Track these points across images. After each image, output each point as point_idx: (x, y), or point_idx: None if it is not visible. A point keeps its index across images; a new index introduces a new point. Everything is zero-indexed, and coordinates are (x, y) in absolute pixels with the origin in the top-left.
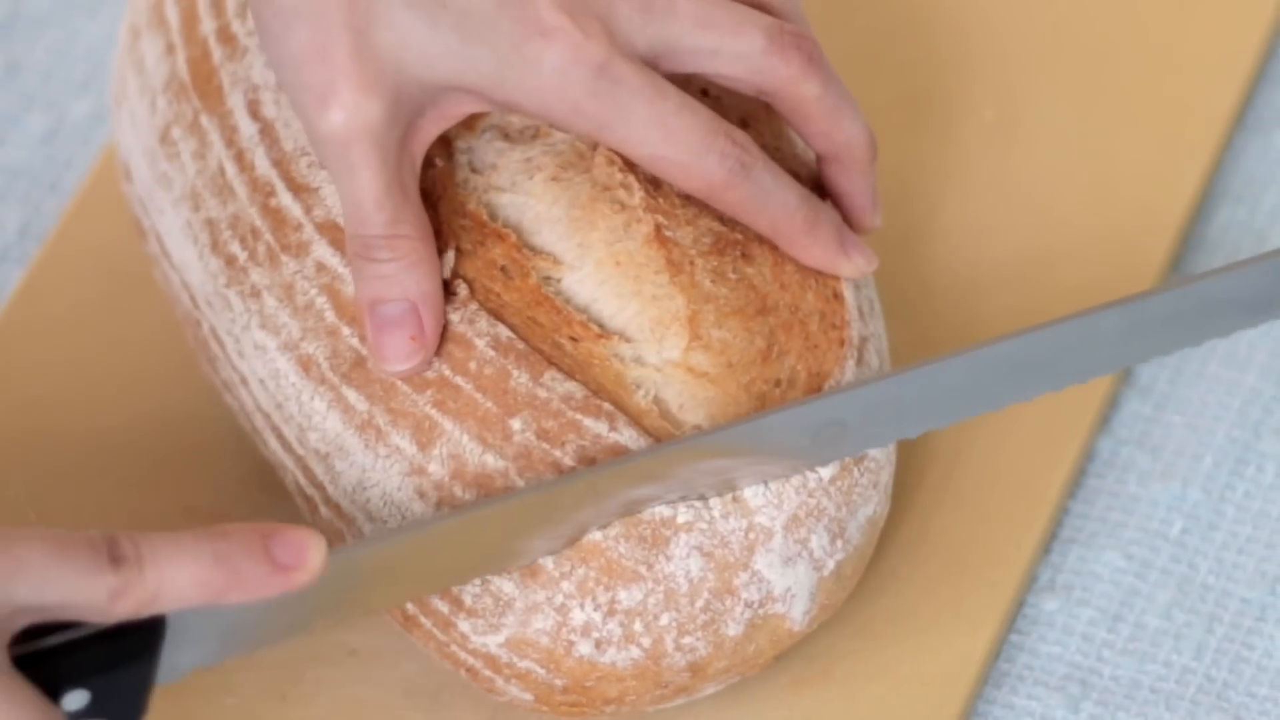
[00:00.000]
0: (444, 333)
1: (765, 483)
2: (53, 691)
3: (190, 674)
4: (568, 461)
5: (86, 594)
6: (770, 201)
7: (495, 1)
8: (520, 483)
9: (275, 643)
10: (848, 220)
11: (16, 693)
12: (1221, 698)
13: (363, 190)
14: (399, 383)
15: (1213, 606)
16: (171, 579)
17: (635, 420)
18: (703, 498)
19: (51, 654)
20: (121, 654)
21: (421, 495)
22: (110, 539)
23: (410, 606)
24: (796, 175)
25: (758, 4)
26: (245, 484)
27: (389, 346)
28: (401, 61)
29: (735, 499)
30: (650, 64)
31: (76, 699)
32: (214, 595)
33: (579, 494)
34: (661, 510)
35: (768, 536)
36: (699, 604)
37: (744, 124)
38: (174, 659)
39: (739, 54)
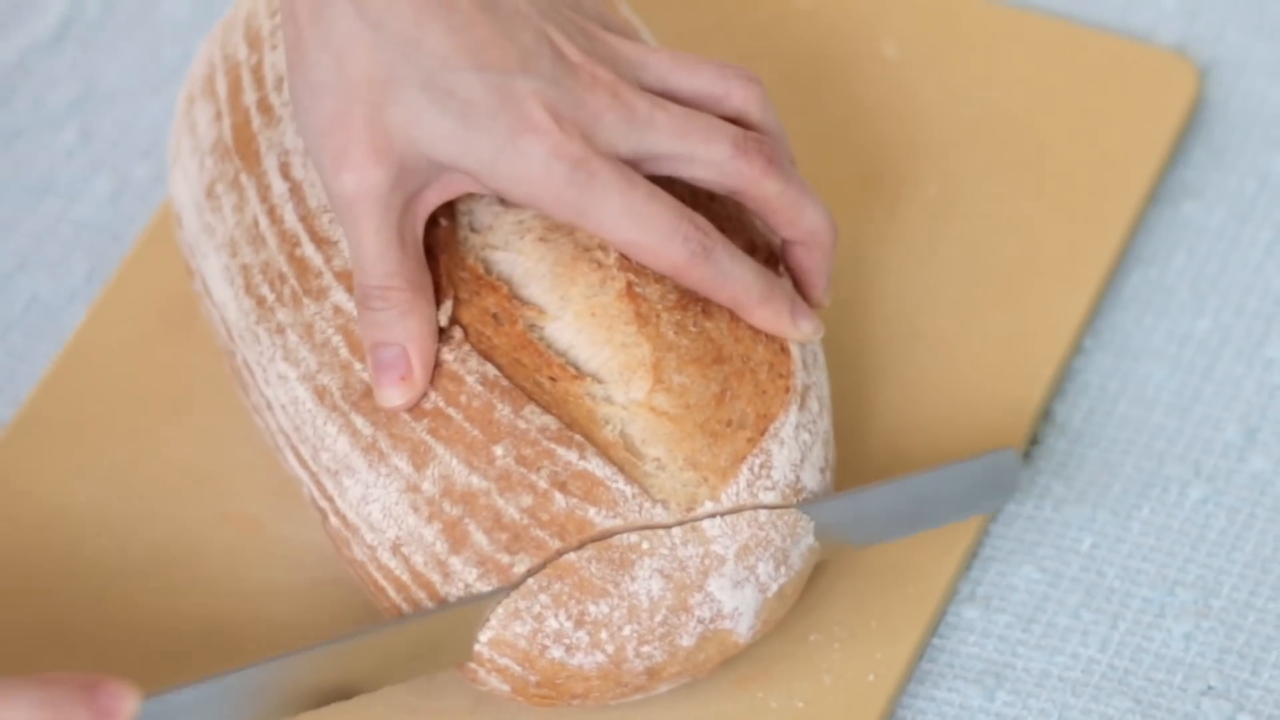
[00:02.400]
0: (439, 370)
1: (720, 515)
2: None
3: None
4: (542, 485)
5: None
6: (729, 279)
7: (495, 98)
8: (500, 502)
9: None
10: (801, 293)
11: None
12: (1123, 683)
13: (365, 245)
14: (399, 410)
15: (1117, 606)
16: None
17: (603, 451)
18: None
19: None
20: None
21: (415, 510)
22: None
23: (403, 604)
24: (754, 246)
25: (736, 112)
26: (270, 495)
27: (384, 385)
28: (411, 138)
29: (694, 528)
30: (633, 166)
31: None
32: None
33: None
34: (629, 537)
35: (721, 563)
36: (658, 619)
37: (713, 199)
38: None
39: (710, 160)
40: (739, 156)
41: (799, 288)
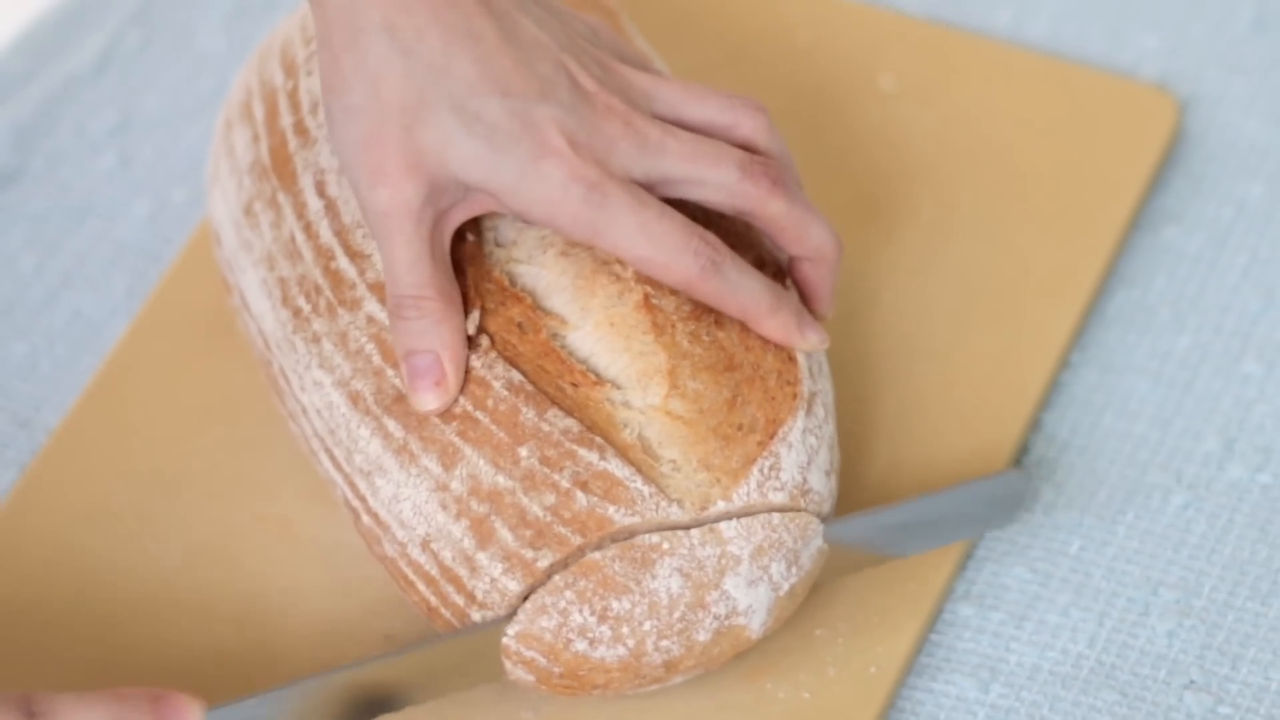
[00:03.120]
0: (467, 376)
1: (735, 518)
2: None
3: None
4: (565, 484)
5: None
6: (738, 291)
7: (517, 124)
8: (525, 500)
9: None
10: (807, 306)
11: None
12: (1110, 678)
13: (398, 256)
14: (429, 414)
15: (1104, 605)
16: None
17: (621, 452)
18: None
19: None
20: None
21: (444, 508)
22: (26, 697)
23: (432, 598)
24: (763, 261)
25: (744, 140)
26: (303, 498)
27: (419, 391)
28: (442, 158)
29: (712, 530)
30: (647, 189)
31: None
32: None
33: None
34: (650, 538)
35: (736, 563)
36: (676, 615)
37: (723, 217)
38: None
39: (718, 182)
40: (746, 179)
41: (805, 301)
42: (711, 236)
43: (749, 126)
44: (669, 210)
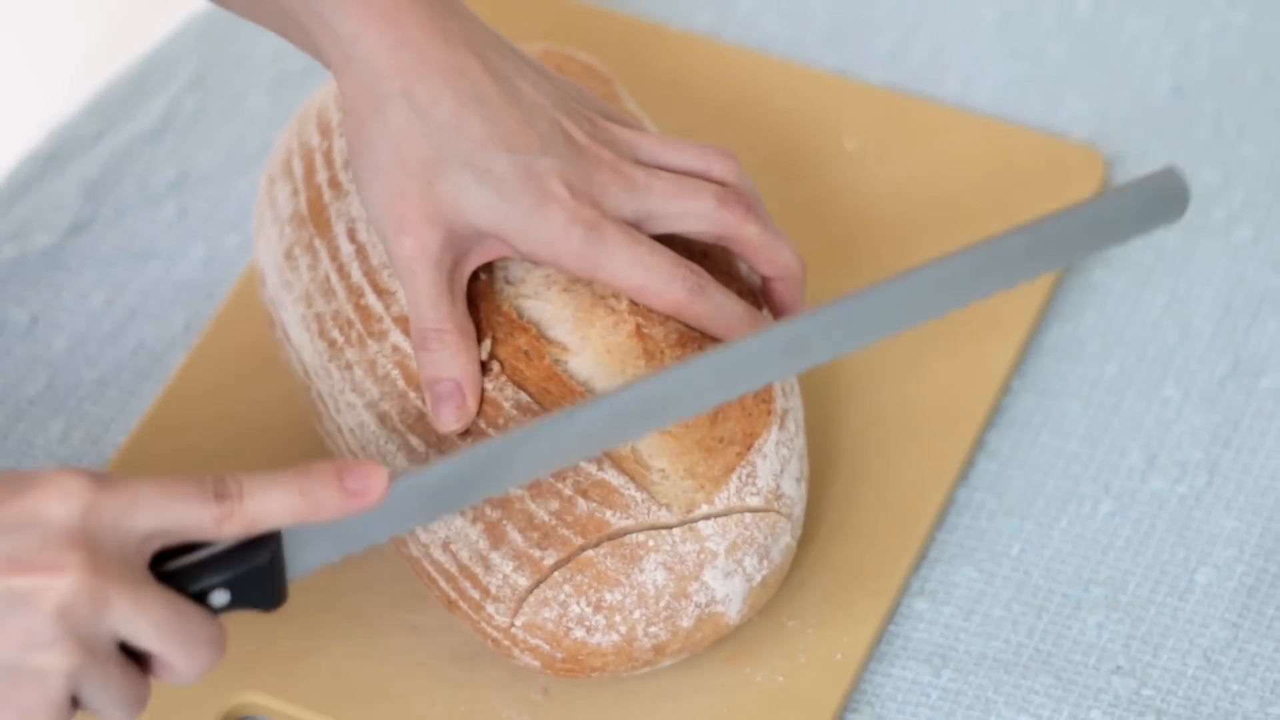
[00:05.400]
0: (482, 397)
1: (713, 517)
2: (200, 597)
3: (317, 570)
4: (567, 491)
5: (196, 521)
6: (721, 312)
7: (522, 175)
8: (533, 506)
9: (376, 543)
10: None
11: (153, 591)
12: (1046, 664)
13: (421, 295)
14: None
15: (1041, 600)
16: (266, 507)
17: (617, 463)
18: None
19: (193, 567)
20: (247, 561)
21: (461, 513)
22: (217, 479)
23: (451, 592)
24: (741, 290)
25: (719, 180)
26: None
27: (442, 414)
28: (458, 208)
29: (691, 529)
30: (636, 226)
31: (220, 597)
32: (301, 518)
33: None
34: (638, 536)
35: (714, 557)
36: (662, 604)
37: (705, 255)
38: (300, 560)
39: (699, 212)
40: (723, 207)
41: (778, 318)
42: (696, 266)
43: (720, 169)
44: (658, 245)
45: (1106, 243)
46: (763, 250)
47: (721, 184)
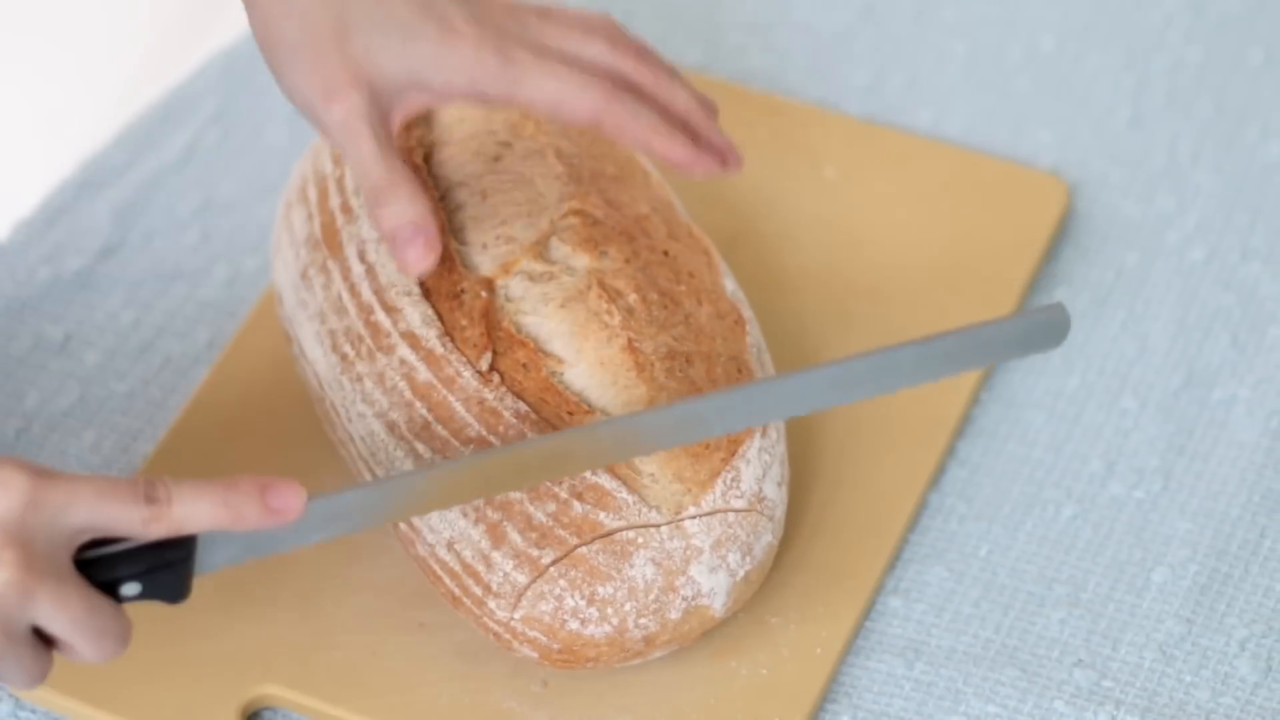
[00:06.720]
0: (482, 405)
1: (699, 517)
2: (115, 583)
3: (220, 569)
4: (563, 495)
5: (125, 519)
6: (641, 115)
7: (420, 13)
8: (531, 508)
9: (283, 552)
10: (720, 165)
11: (74, 588)
12: (1012, 658)
13: (365, 154)
14: (451, 438)
15: (1008, 598)
16: (191, 514)
17: (610, 468)
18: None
19: (110, 559)
20: (163, 559)
21: (465, 515)
22: (148, 482)
23: (455, 590)
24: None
25: (607, 36)
26: None
27: (410, 257)
28: (373, 62)
29: (678, 527)
30: None
31: (131, 588)
32: (223, 526)
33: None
34: (628, 534)
35: (699, 553)
36: (651, 597)
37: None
38: (207, 560)
39: (594, 55)
40: (615, 49)
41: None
42: (610, 78)
43: (603, 24)
44: (569, 59)
45: (1000, 358)
46: (661, 90)
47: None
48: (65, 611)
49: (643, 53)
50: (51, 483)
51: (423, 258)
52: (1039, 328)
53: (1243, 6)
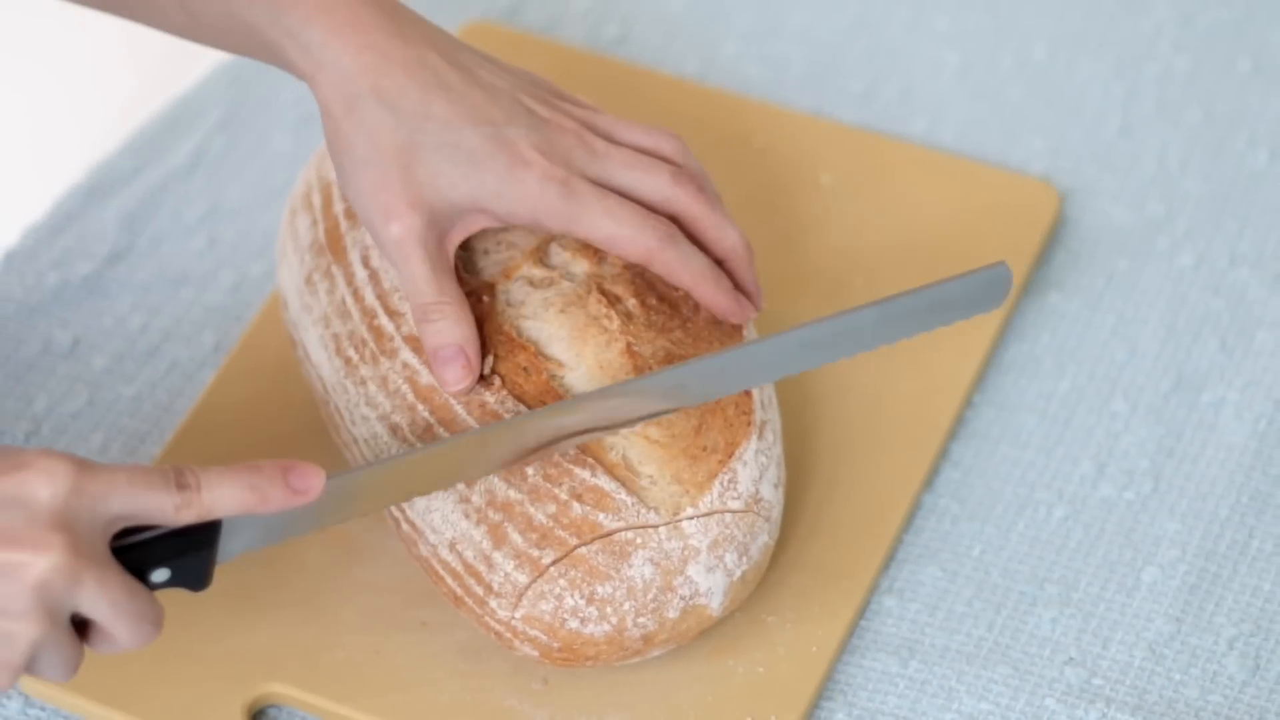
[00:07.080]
0: (483, 409)
1: (697, 518)
2: (143, 571)
3: (240, 555)
4: (563, 496)
5: (158, 506)
6: (690, 261)
7: (492, 145)
8: (532, 509)
9: (299, 535)
10: (754, 313)
11: (115, 573)
12: (1005, 656)
13: (416, 274)
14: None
15: (1000, 597)
16: (220, 498)
17: (609, 470)
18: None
19: (142, 546)
20: (190, 544)
21: (467, 516)
22: (178, 470)
23: (457, 589)
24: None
25: (668, 158)
26: None
27: (449, 376)
28: (436, 187)
29: (676, 527)
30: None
31: (160, 575)
32: (249, 509)
33: (498, 439)
34: (627, 534)
35: (697, 553)
36: (650, 596)
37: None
38: (229, 546)
39: (654, 185)
40: (676, 184)
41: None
42: (665, 219)
43: (670, 147)
44: (628, 200)
45: (952, 317)
46: (711, 229)
47: (670, 162)
48: (108, 596)
49: (702, 188)
50: (92, 472)
51: (461, 379)
52: (983, 284)
53: (1231, 16)
